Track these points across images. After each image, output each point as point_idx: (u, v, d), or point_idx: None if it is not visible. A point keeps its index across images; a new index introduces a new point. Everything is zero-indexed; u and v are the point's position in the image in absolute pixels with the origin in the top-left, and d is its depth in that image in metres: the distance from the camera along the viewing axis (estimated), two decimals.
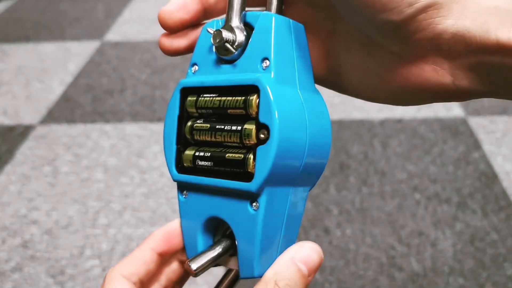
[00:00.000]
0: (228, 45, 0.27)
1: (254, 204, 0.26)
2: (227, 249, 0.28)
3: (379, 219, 0.87)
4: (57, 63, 1.43)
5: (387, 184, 0.95)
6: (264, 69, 0.26)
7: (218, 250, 0.27)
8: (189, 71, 0.29)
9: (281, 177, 0.25)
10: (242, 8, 0.28)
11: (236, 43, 0.27)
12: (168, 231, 0.30)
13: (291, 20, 0.27)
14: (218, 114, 0.28)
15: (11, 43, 1.56)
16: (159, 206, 0.92)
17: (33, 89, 1.31)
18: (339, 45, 0.28)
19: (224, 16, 0.29)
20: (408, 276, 0.77)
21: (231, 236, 0.28)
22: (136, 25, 1.66)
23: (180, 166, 0.28)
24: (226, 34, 0.27)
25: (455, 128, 1.10)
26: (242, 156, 0.26)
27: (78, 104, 1.23)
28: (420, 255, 0.80)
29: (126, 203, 0.92)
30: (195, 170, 0.28)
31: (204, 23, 0.30)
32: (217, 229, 0.29)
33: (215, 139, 0.27)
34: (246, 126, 0.26)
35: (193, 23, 0.29)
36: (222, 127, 0.27)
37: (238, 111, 0.26)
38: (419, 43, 0.24)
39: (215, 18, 0.29)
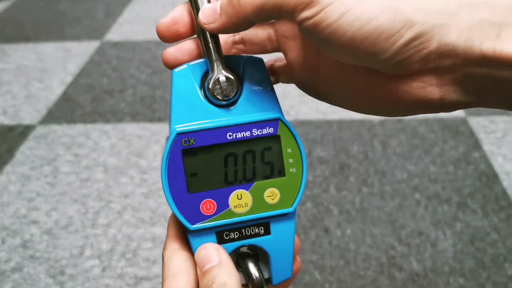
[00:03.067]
0: (232, 90, 0.29)
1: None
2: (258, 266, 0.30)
3: (379, 219, 0.87)
4: (57, 63, 1.43)
5: (387, 184, 0.95)
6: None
7: (258, 270, 0.30)
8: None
9: None
10: (221, 53, 0.29)
11: (237, 88, 0.29)
12: None
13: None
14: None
15: (11, 43, 1.56)
16: (159, 206, 0.91)
17: (33, 89, 1.31)
18: (327, 63, 0.29)
19: (193, 59, 0.30)
20: (408, 276, 0.77)
21: (247, 255, 0.30)
22: (136, 25, 1.66)
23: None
24: (231, 81, 0.28)
25: (455, 128, 1.10)
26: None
27: (78, 104, 1.23)
28: (420, 255, 0.80)
29: (126, 203, 0.92)
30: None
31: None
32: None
33: None
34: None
35: (191, 35, 0.30)
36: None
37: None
38: (407, 66, 0.24)
39: (184, 65, 0.29)
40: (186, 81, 0.29)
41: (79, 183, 0.98)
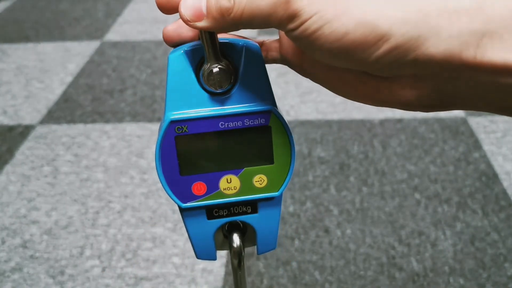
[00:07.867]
0: (226, 81, 0.29)
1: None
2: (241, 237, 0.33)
3: (379, 219, 0.87)
4: (57, 63, 1.43)
5: (387, 184, 0.95)
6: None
7: (240, 239, 0.32)
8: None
9: None
10: (216, 42, 0.29)
11: (232, 78, 0.29)
12: None
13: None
14: None
15: (11, 43, 1.56)
16: (159, 206, 0.91)
17: (33, 89, 1.31)
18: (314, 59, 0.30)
19: (187, 41, 0.30)
20: (408, 276, 0.77)
21: (235, 227, 0.33)
22: (136, 25, 1.66)
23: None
24: (226, 72, 0.29)
25: (456, 128, 1.10)
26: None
27: (78, 104, 1.23)
28: (421, 255, 0.80)
29: (126, 203, 0.92)
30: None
31: None
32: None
33: None
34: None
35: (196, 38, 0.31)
36: None
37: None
38: (385, 72, 0.25)
39: (180, 50, 0.29)
40: (181, 67, 0.29)
41: (79, 183, 0.98)
